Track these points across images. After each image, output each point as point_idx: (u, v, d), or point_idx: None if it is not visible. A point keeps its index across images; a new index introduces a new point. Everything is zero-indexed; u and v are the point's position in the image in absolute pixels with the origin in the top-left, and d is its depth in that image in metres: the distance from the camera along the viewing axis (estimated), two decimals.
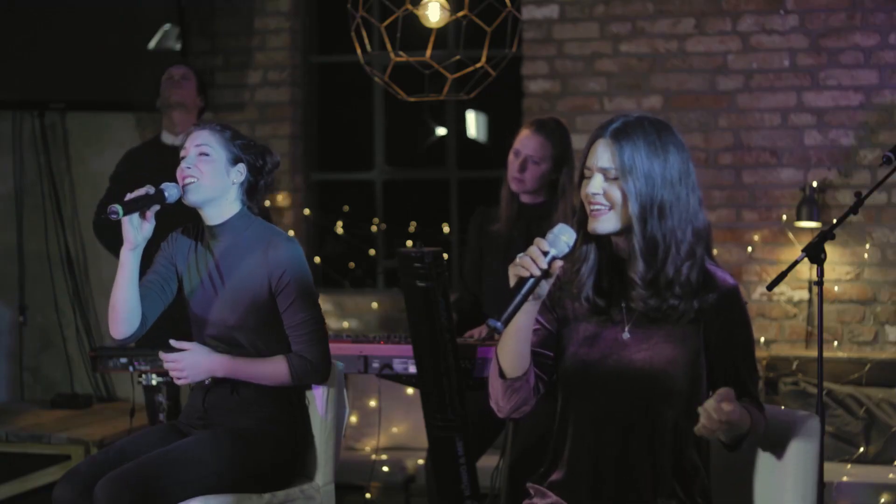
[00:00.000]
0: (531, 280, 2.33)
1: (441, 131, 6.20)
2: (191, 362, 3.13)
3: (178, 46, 5.69)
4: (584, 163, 2.48)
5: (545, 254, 2.33)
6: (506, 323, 2.31)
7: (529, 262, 2.33)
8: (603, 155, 2.43)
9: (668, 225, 2.41)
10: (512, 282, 2.35)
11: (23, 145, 6.07)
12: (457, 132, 6.09)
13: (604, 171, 2.43)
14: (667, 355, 2.45)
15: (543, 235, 2.38)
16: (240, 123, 5.89)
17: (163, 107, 4.71)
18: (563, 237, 2.36)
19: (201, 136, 3.19)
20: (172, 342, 3.15)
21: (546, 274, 2.34)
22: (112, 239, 3.14)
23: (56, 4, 5.59)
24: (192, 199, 3.16)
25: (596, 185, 2.44)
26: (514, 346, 2.45)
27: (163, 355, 3.17)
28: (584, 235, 2.48)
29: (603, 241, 2.50)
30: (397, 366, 3.72)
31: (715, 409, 2.24)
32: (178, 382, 3.19)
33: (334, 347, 3.66)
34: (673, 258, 2.41)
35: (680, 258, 2.42)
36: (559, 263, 2.36)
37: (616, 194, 2.42)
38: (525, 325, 2.43)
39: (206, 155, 3.16)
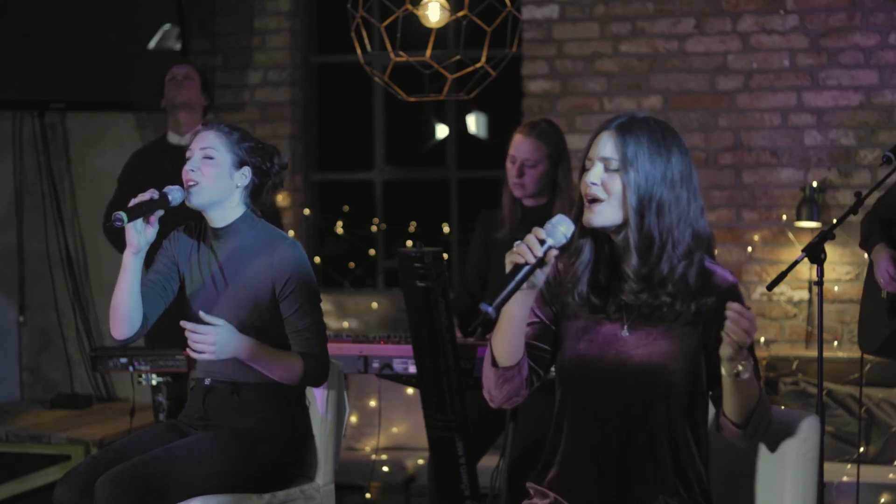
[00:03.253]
0: (526, 267, 2.32)
1: (441, 131, 6.20)
2: (223, 338, 2.98)
3: (178, 46, 5.69)
4: (586, 154, 2.48)
5: (542, 242, 2.33)
6: (498, 308, 2.30)
7: (525, 250, 2.33)
8: (606, 145, 2.43)
9: (665, 223, 2.40)
10: (508, 268, 2.34)
11: (23, 145, 6.07)
12: (457, 132, 6.09)
13: (605, 161, 2.43)
14: (665, 352, 2.45)
15: None
16: (240, 123, 5.85)
17: (167, 107, 4.70)
18: (560, 227, 2.36)
19: (207, 139, 3.18)
20: (202, 315, 3.00)
21: (541, 262, 2.34)
22: (123, 241, 3.12)
23: (56, 4, 5.59)
24: (195, 201, 3.15)
25: (595, 174, 2.44)
26: (507, 334, 2.45)
27: (188, 325, 2.97)
28: (582, 229, 2.47)
29: (601, 237, 2.50)
30: (397, 366, 3.72)
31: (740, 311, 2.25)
32: (201, 357, 3.00)
33: (334, 347, 3.66)
34: (669, 255, 2.41)
35: (676, 256, 2.41)
36: (554, 253, 2.35)
37: (615, 186, 2.42)
38: (519, 315, 2.43)
39: (211, 158, 3.15)
